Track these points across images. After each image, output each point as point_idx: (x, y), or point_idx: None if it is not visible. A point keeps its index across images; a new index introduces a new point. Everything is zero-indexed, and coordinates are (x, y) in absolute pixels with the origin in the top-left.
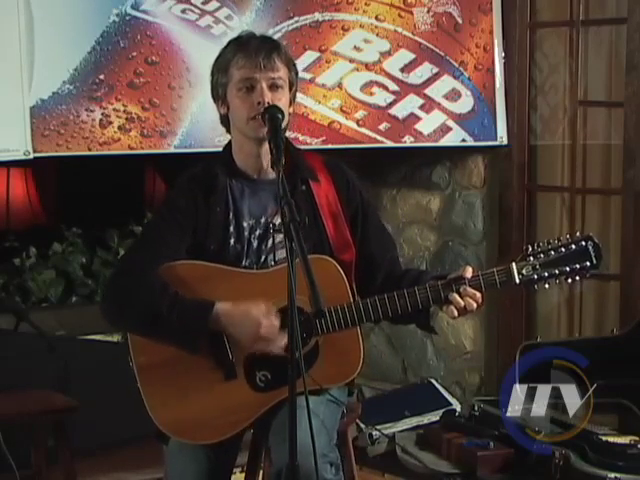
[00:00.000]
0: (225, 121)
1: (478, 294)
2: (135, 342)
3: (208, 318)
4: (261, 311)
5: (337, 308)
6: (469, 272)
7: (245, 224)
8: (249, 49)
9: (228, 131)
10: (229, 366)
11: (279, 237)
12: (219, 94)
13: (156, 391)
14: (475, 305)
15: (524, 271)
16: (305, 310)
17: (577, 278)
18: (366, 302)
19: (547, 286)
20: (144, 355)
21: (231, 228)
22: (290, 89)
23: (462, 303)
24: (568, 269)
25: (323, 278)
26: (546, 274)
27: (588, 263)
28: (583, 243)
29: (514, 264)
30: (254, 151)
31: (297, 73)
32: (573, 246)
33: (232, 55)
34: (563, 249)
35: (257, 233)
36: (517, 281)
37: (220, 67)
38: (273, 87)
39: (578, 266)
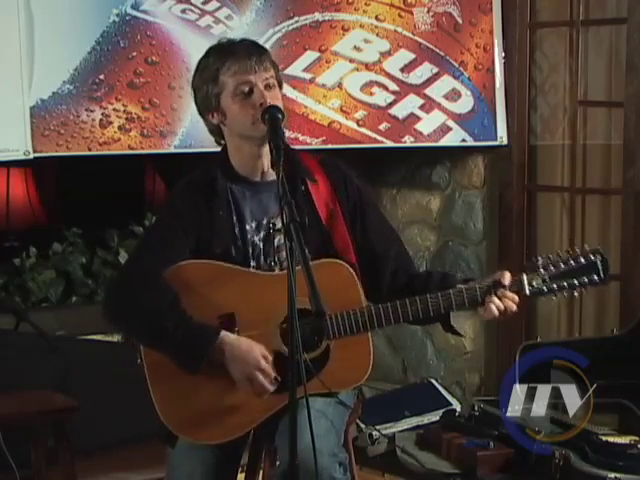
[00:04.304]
0: (216, 131)
1: (516, 297)
2: None
3: (212, 346)
4: (262, 354)
5: (349, 313)
6: (507, 278)
7: (247, 227)
8: (238, 54)
9: (217, 141)
10: None
11: (281, 238)
12: (212, 105)
13: (165, 390)
14: (514, 307)
15: (534, 283)
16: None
17: (584, 291)
18: (378, 308)
19: (554, 298)
20: (155, 354)
21: (236, 231)
22: (280, 89)
23: (500, 304)
24: (577, 282)
25: (335, 282)
26: (555, 286)
27: (596, 277)
28: (592, 257)
29: (524, 275)
30: (255, 153)
31: (280, 72)
32: (582, 259)
33: (220, 63)
34: (572, 262)
35: (261, 235)
36: (527, 292)
37: (208, 78)
38: (267, 87)
39: (586, 280)
